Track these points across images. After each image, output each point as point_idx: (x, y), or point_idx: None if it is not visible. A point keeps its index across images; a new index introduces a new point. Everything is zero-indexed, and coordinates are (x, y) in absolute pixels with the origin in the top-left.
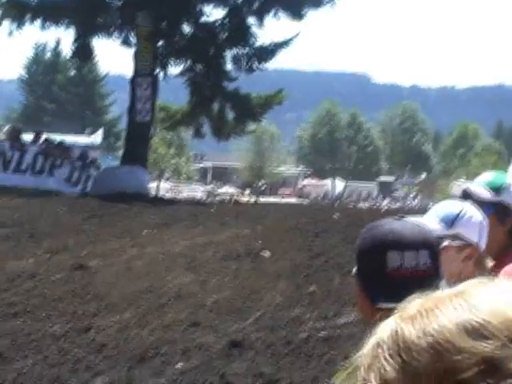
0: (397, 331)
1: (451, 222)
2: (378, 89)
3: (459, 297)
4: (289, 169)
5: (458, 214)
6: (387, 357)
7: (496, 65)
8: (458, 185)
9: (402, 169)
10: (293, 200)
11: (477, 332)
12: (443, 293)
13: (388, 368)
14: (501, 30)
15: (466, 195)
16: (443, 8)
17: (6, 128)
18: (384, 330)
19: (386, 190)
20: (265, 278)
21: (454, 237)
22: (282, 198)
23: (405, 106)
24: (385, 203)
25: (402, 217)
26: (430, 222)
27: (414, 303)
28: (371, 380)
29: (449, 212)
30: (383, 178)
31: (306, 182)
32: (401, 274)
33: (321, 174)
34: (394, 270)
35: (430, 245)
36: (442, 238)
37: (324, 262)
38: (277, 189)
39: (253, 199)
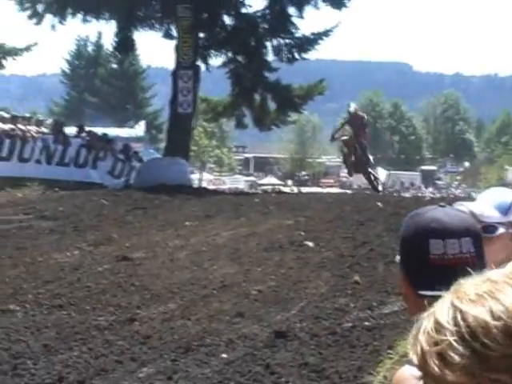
0: (457, 316)
1: (506, 209)
2: (421, 77)
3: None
4: (331, 159)
5: None
6: (452, 342)
7: None
8: None
9: (444, 157)
10: (335, 190)
11: None
12: (495, 275)
13: (454, 354)
14: None
15: None
16: None
17: (49, 121)
18: (442, 315)
19: (428, 178)
20: (308, 267)
21: (510, 224)
22: (325, 188)
23: (447, 95)
24: (428, 192)
25: (445, 204)
26: (486, 209)
27: (469, 286)
28: (432, 367)
29: (503, 200)
30: (426, 167)
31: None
32: (443, 261)
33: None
34: (436, 257)
35: (472, 232)
36: (496, 226)
37: (368, 251)
38: (319, 179)
39: (295, 189)
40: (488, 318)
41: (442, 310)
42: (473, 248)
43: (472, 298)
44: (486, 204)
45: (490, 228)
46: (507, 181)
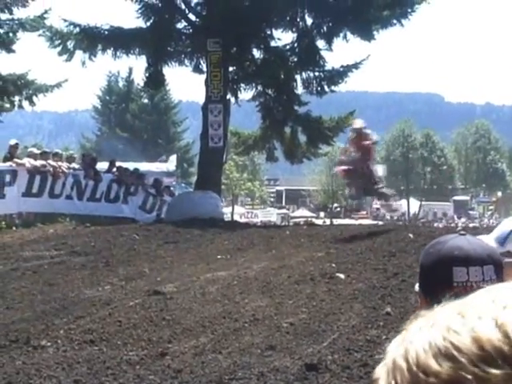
0: (392, 356)
1: (503, 239)
2: (452, 108)
3: (446, 315)
4: None
5: (511, 232)
6: (383, 380)
7: None
8: None
9: (477, 187)
10: (367, 221)
11: (443, 353)
12: (439, 308)
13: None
14: None
15: None
16: None
17: (78, 156)
18: (388, 352)
19: (461, 209)
20: (340, 299)
21: (508, 254)
22: (357, 219)
23: (477, 125)
24: (461, 222)
25: (465, 233)
26: (487, 240)
27: (413, 322)
28: None
29: (503, 230)
30: (458, 197)
31: (380, 203)
32: (467, 289)
33: (395, 194)
34: (460, 285)
35: (494, 260)
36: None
37: (400, 282)
38: (351, 211)
39: (327, 222)
40: (402, 358)
41: (390, 346)
42: (494, 275)
43: (404, 338)
44: (490, 235)
45: None
46: None
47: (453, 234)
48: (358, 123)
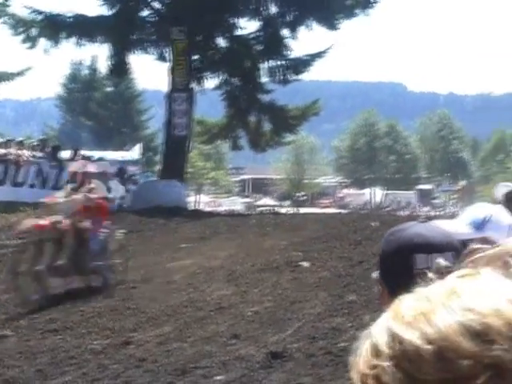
0: (394, 338)
1: (479, 225)
2: (415, 97)
3: (453, 296)
4: (327, 179)
5: (486, 218)
6: (387, 368)
7: None
8: (504, 186)
9: (440, 176)
10: (332, 210)
11: (481, 336)
12: (433, 292)
13: (388, 378)
14: None
15: (510, 198)
16: (479, 15)
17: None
18: (380, 336)
19: (425, 197)
20: (304, 288)
21: (483, 240)
22: (322, 208)
23: (440, 114)
24: (424, 211)
25: (425, 220)
26: (459, 225)
27: (406, 305)
28: None
29: (477, 216)
30: (422, 186)
31: (344, 191)
32: (437, 274)
33: (359, 183)
34: (421, 272)
35: (453, 247)
36: (469, 242)
37: (364, 270)
38: (316, 200)
39: (292, 210)
40: (421, 343)
41: (379, 331)
42: (454, 262)
43: (407, 320)
44: (460, 220)
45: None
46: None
47: (412, 222)
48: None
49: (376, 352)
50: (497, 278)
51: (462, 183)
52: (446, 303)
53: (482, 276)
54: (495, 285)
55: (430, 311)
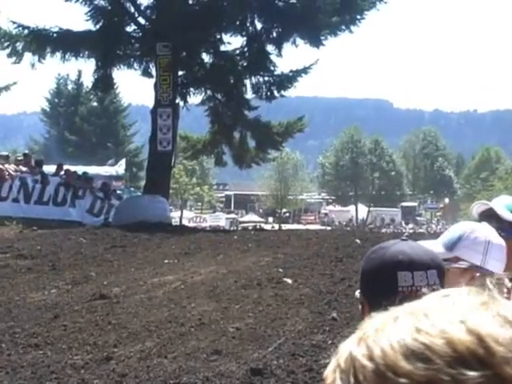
0: (350, 354)
1: (451, 245)
2: (401, 114)
3: (411, 316)
4: (312, 196)
5: (459, 237)
6: (337, 380)
7: None
8: (482, 204)
9: (425, 194)
10: (316, 227)
11: (418, 355)
12: (398, 310)
13: None
14: None
15: (487, 216)
16: (465, 33)
17: (22, 157)
18: (342, 353)
19: (409, 215)
20: (286, 304)
21: (455, 259)
22: (305, 224)
23: (425, 131)
24: (408, 228)
25: (407, 238)
26: (434, 246)
27: (371, 323)
28: None
29: (451, 235)
30: (406, 204)
31: (329, 208)
32: (412, 293)
33: (344, 200)
34: (405, 289)
35: (437, 265)
36: (446, 261)
37: (346, 287)
38: (300, 216)
39: (276, 226)
40: (363, 359)
41: (344, 346)
42: (438, 279)
43: (362, 336)
44: (436, 241)
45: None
46: (472, 213)
47: (395, 240)
48: None
49: (335, 367)
50: (464, 298)
51: (446, 201)
52: (400, 322)
53: (451, 296)
54: (458, 305)
55: (381, 329)
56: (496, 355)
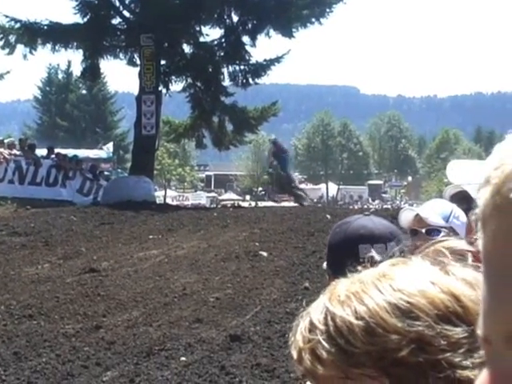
0: (327, 316)
1: (447, 217)
2: (367, 99)
3: (383, 279)
4: None
5: (451, 212)
6: (321, 341)
7: (474, 75)
8: (454, 187)
9: (389, 173)
10: (290, 204)
11: (406, 313)
12: (366, 275)
13: (323, 351)
14: (478, 42)
15: (459, 198)
16: (424, 24)
17: (15, 142)
18: (316, 314)
19: (375, 192)
20: (262, 276)
21: (450, 229)
22: (280, 202)
23: (390, 115)
24: (374, 204)
25: (369, 213)
26: (431, 215)
27: (341, 287)
28: (306, 362)
29: (444, 209)
30: (373, 182)
31: (301, 186)
32: (372, 265)
33: (315, 179)
34: (365, 261)
35: (396, 237)
36: (439, 230)
37: (317, 259)
38: (275, 194)
39: (253, 204)
40: (352, 319)
41: (316, 310)
42: (397, 251)
43: (341, 299)
44: (430, 211)
45: (434, 231)
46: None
47: (358, 215)
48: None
49: (311, 328)
50: (424, 265)
51: (409, 179)
52: (376, 284)
53: (411, 263)
54: (422, 270)
55: (361, 291)
56: (472, 312)
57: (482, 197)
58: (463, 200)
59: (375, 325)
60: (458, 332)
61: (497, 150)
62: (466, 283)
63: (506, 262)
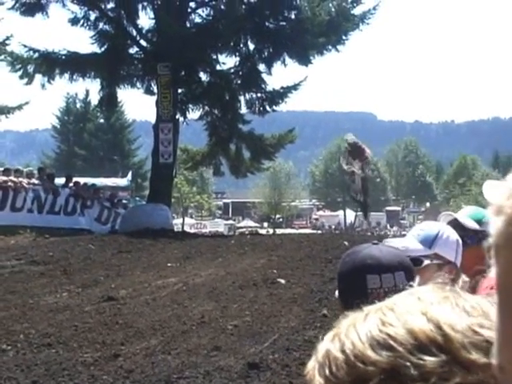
0: (326, 349)
1: (430, 242)
2: (384, 125)
3: (377, 312)
4: (303, 202)
5: (436, 235)
6: (316, 373)
7: (491, 99)
8: (447, 215)
9: (407, 199)
10: (307, 231)
11: (382, 345)
12: (371, 308)
13: (316, 381)
14: (495, 67)
15: (453, 226)
16: (442, 50)
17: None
18: (319, 349)
19: (393, 218)
20: (280, 303)
21: (434, 256)
22: (298, 229)
23: (407, 142)
24: (393, 231)
25: (378, 242)
26: (411, 243)
27: (341, 321)
28: None
29: (428, 233)
30: (390, 208)
31: (319, 213)
32: (380, 295)
33: (333, 205)
34: (373, 291)
35: (404, 266)
36: (422, 258)
37: (336, 286)
38: (292, 221)
39: (270, 231)
40: (336, 352)
41: (323, 343)
42: (406, 281)
43: (336, 333)
44: (411, 239)
45: (415, 261)
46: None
47: (366, 244)
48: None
49: (314, 362)
50: (428, 294)
51: (427, 205)
52: (367, 318)
53: (417, 292)
54: (421, 299)
55: (352, 325)
56: (453, 341)
57: (494, 226)
58: (456, 228)
59: (355, 358)
60: (434, 362)
61: (509, 179)
62: (461, 310)
63: None
